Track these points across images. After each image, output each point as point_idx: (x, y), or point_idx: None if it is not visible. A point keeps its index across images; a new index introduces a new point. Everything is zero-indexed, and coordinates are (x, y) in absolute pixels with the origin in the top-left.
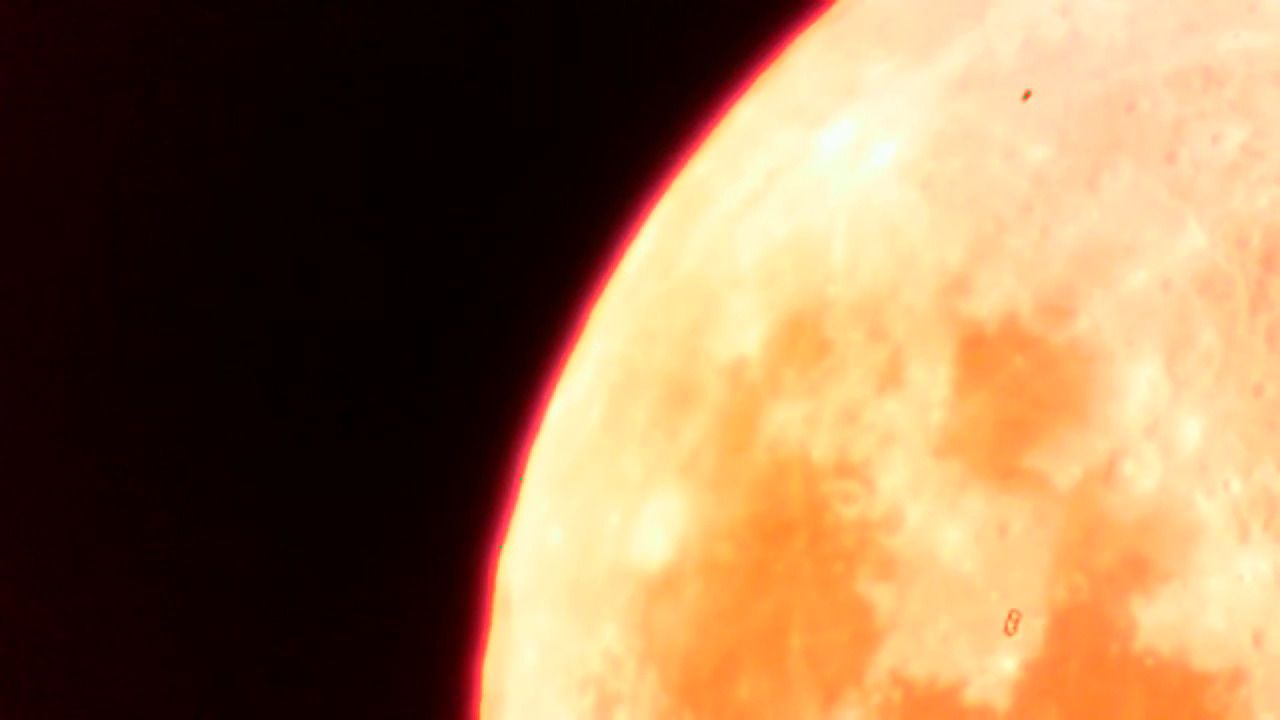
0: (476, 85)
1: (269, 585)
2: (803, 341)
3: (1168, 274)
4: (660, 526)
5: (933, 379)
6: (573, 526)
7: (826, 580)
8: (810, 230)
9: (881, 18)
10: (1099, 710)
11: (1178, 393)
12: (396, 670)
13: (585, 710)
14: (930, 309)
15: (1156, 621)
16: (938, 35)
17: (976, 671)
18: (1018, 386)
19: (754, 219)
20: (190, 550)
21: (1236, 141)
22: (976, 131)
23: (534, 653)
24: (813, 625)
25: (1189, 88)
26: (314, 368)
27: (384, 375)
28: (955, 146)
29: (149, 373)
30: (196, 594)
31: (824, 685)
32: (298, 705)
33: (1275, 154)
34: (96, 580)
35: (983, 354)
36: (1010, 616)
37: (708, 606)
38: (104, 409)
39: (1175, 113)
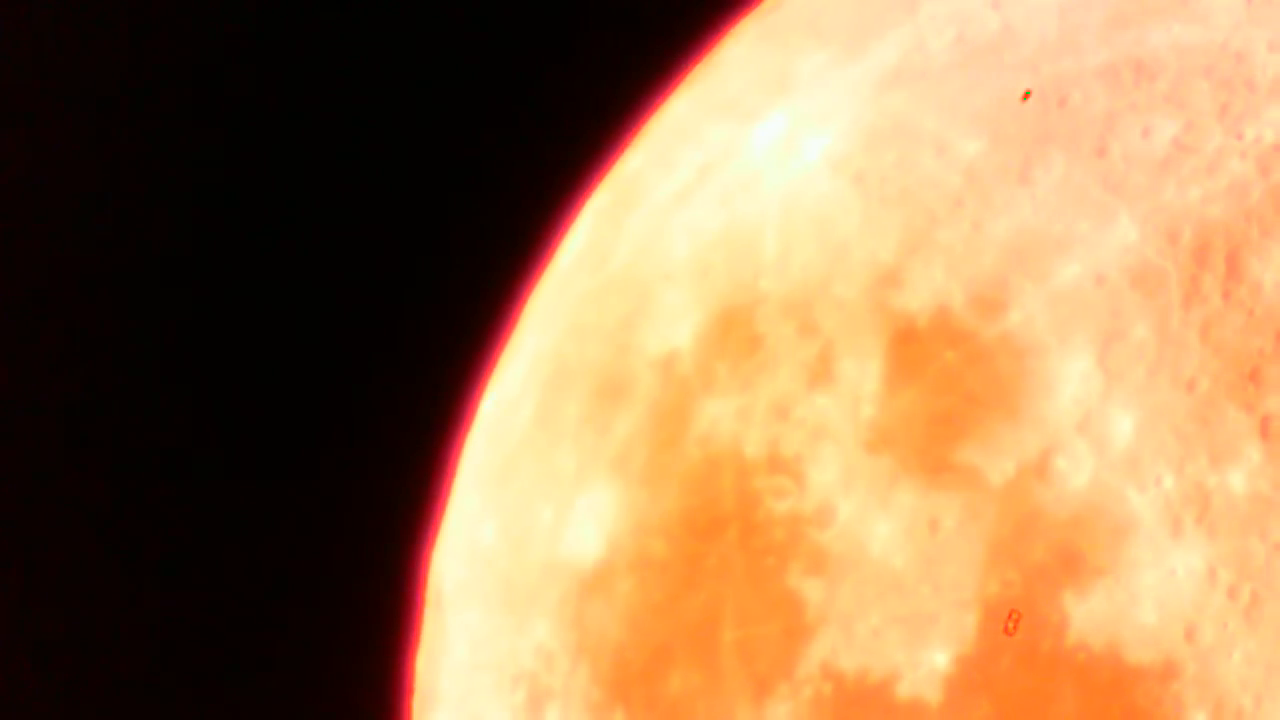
0: (409, 79)
1: (199, 580)
2: (734, 336)
3: (1100, 268)
4: (592, 522)
5: (864, 374)
6: (505, 522)
7: (758, 575)
8: (742, 224)
9: (814, 11)
10: (1031, 705)
11: (1110, 387)
12: (329, 666)
13: (517, 706)
14: (862, 303)
15: (1089, 616)
16: (870, 29)
17: (908, 666)
18: (949, 381)
19: (686, 213)
20: (121, 546)
21: (1168, 135)
22: (908, 125)
23: (466, 648)
24: (744, 619)
25: (1120, 81)
26: (243, 363)
27: (315, 372)
28: (887, 141)
29: (64, 367)
30: (130, 590)
31: (755, 679)
32: (231, 701)
33: (1207, 147)
34: (28, 583)
35: (914, 348)
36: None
37: (639, 601)
38: (22, 406)
39: (1107, 106)
